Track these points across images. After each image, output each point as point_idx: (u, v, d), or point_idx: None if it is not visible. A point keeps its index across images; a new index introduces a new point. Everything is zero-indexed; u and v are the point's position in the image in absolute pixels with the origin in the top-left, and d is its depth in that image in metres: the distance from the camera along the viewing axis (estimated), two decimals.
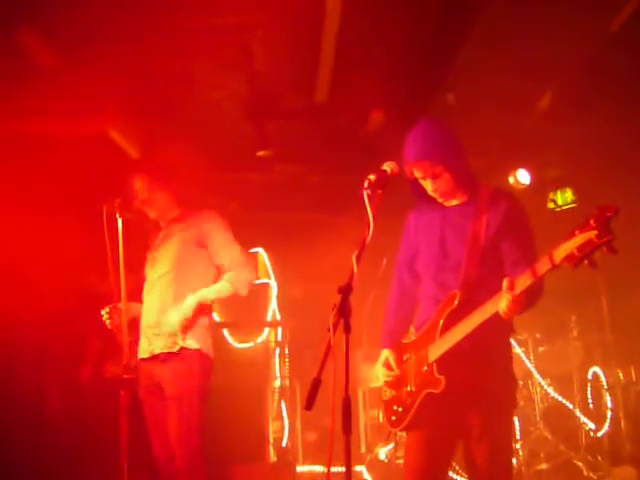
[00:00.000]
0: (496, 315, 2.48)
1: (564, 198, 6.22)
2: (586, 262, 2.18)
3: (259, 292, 6.60)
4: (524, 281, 2.39)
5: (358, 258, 2.39)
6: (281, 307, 6.79)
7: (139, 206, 3.69)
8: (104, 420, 4.35)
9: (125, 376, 3.29)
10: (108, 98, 5.07)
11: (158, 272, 3.72)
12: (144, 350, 3.65)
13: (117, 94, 5.03)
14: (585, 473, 5.33)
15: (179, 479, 3.45)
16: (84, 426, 4.81)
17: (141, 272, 3.87)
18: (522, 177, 6.20)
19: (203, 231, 3.71)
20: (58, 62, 4.52)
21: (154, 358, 3.60)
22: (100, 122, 5.28)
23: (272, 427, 6.10)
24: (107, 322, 3.64)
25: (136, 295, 3.78)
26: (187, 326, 3.52)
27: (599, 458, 5.46)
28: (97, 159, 5.27)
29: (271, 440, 5.94)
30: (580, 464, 5.40)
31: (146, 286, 3.79)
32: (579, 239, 2.17)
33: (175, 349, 3.54)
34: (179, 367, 3.52)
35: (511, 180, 6.22)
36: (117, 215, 3.42)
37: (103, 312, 3.66)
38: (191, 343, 3.56)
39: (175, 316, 3.54)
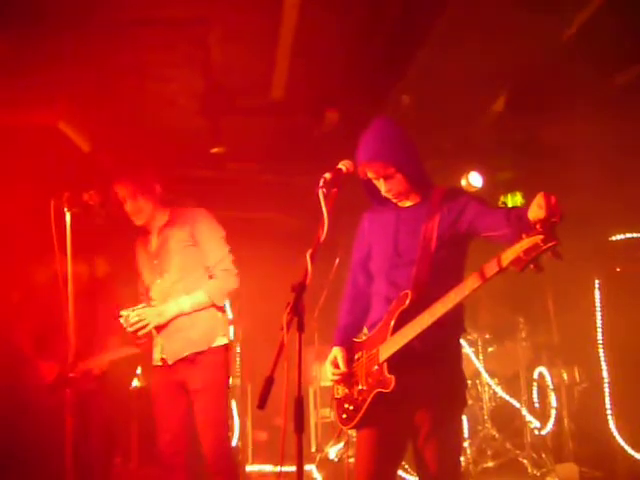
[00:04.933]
0: (446, 315, 2.50)
1: (514, 201, 6.33)
2: (532, 266, 2.20)
3: None
4: (472, 283, 2.40)
5: (312, 256, 2.38)
6: (233, 306, 6.73)
7: (115, 210, 3.69)
8: (48, 419, 4.24)
9: (70, 374, 3.24)
10: (58, 89, 4.95)
11: (169, 280, 3.71)
12: (158, 359, 3.69)
13: (68, 86, 4.92)
14: (530, 470, 5.45)
15: (211, 469, 3.54)
16: (26, 425, 4.68)
17: (141, 281, 3.87)
18: (474, 180, 6.28)
19: (195, 231, 3.74)
20: (8, 51, 4.41)
21: (182, 359, 3.62)
22: (50, 114, 5.16)
23: None
24: (129, 329, 3.60)
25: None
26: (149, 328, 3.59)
27: (543, 455, 5.58)
28: (47, 151, 5.15)
29: None
30: (525, 461, 5.52)
31: (158, 296, 3.74)
32: (525, 243, 2.19)
33: (203, 348, 3.61)
34: (207, 361, 3.60)
35: (463, 182, 6.30)
36: (65, 209, 3.35)
37: (122, 321, 3.62)
38: (220, 340, 3.68)
39: (154, 316, 3.58)
